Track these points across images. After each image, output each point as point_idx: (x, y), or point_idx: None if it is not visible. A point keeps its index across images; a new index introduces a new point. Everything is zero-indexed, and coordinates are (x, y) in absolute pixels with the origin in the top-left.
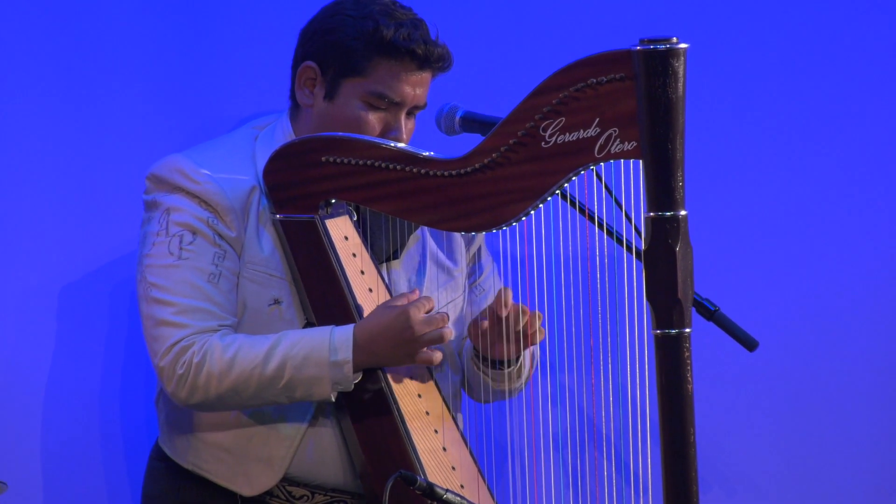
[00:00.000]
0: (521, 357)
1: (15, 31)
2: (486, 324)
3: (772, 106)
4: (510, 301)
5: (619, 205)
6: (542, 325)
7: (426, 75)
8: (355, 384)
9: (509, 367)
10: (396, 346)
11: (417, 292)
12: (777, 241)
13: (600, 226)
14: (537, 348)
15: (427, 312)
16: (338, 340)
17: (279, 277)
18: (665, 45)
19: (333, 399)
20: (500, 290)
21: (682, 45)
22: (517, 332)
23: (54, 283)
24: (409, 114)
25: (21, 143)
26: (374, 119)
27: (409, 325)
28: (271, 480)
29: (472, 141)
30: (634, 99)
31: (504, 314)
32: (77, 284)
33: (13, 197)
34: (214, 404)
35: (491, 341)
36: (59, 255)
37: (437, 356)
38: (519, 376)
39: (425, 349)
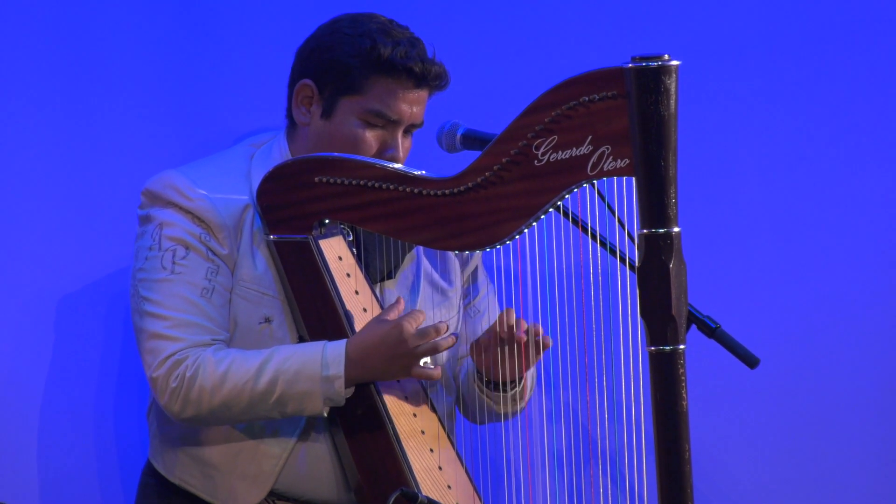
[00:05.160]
0: (524, 378)
1: (18, 48)
2: (486, 340)
3: (768, 120)
4: (513, 319)
5: (619, 220)
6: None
7: (423, 93)
8: (351, 403)
9: (513, 388)
10: (391, 360)
11: (402, 302)
12: (776, 255)
13: (594, 237)
14: (534, 368)
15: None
16: (330, 356)
17: (271, 296)
18: (657, 62)
19: (325, 415)
20: (502, 312)
21: (674, 63)
22: (521, 349)
23: (51, 294)
24: (407, 132)
25: (21, 154)
26: (371, 137)
27: (403, 339)
28: (257, 497)
29: (471, 158)
30: (627, 116)
31: (506, 336)
32: (74, 296)
33: (12, 208)
34: (207, 418)
35: (493, 360)
36: (57, 268)
37: (437, 372)
38: (521, 398)
39: (422, 363)
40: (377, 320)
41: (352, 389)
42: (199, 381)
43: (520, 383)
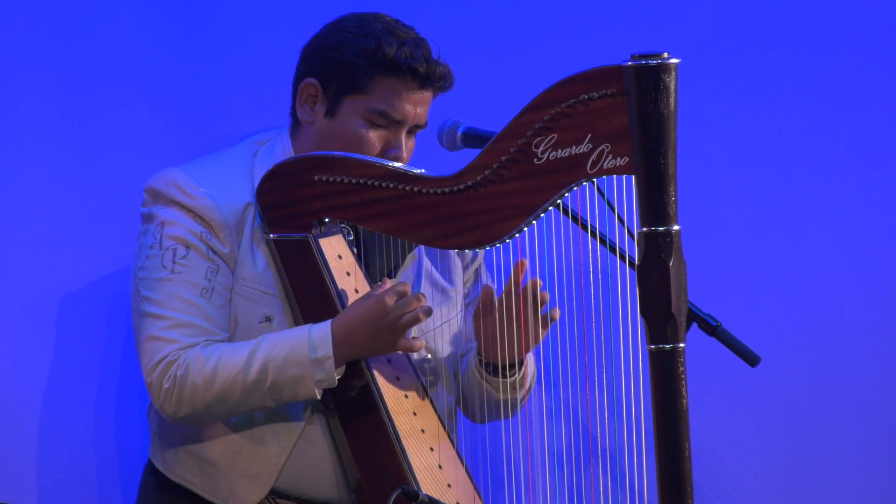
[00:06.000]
0: (525, 363)
1: (19, 47)
2: (526, 262)
3: (768, 117)
4: (526, 265)
5: (619, 218)
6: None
7: (427, 94)
8: (351, 403)
9: (511, 374)
10: (376, 334)
11: (388, 281)
12: (776, 253)
13: (593, 235)
14: (534, 365)
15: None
16: (316, 338)
17: (272, 295)
18: (656, 60)
19: (319, 397)
20: (519, 261)
21: (674, 60)
22: (519, 331)
23: (53, 293)
24: (410, 132)
25: (22, 152)
26: (374, 137)
27: (386, 312)
28: (258, 496)
29: (472, 157)
30: (626, 114)
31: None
32: (76, 295)
33: (14, 207)
34: (203, 415)
35: (494, 335)
36: (58, 267)
37: (420, 343)
38: (523, 385)
39: (406, 337)
40: (361, 298)
41: (343, 369)
42: (190, 379)
43: (520, 369)
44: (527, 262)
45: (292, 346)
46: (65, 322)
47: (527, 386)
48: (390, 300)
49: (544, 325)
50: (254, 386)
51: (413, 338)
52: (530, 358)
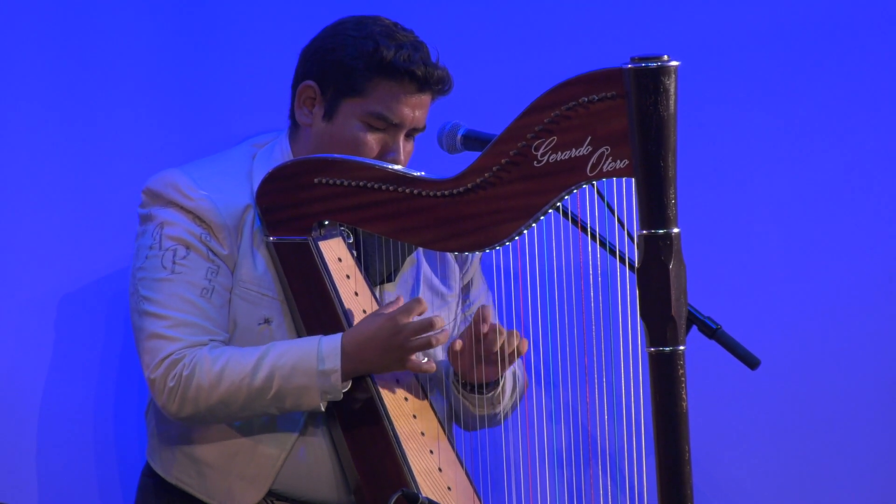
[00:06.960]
0: (501, 382)
1: (20, 47)
2: (459, 343)
3: (768, 120)
4: (489, 317)
5: (619, 221)
6: (526, 335)
7: (425, 97)
8: (351, 403)
9: (488, 391)
10: (385, 352)
11: (402, 300)
12: (776, 255)
13: (593, 238)
14: (523, 371)
15: (418, 315)
16: (325, 350)
17: (271, 297)
18: (656, 62)
19: (323, 409)
20: (479, 308)
21: (674, 63)
22: (494, 354)
23: (52, 294)
24: (408, 136)
25: (22, 153)
26: (372, 140)
27: (398, 332)
28: (255, 497)
29: (472, 159)
30: (626, 117)
31: (484, 330)
32: (74, 296)
33: (12, 207)
34: (205, 416)
35: (469, 363)
36: (57, 267)
37: (430, 366)
38: (499, 402)
39: (415, 356)
40: (374, 314)
41: (349, 383)
42: (196, 380)
43: (496, 387)
44: (489, 310)
45: (300, 356)
46: (64, 322)
47: (504, 401)
48: (404, 320)
49: (511, 360)
50: (258, 392)
51: (425, 360)
52: (520, 369)
